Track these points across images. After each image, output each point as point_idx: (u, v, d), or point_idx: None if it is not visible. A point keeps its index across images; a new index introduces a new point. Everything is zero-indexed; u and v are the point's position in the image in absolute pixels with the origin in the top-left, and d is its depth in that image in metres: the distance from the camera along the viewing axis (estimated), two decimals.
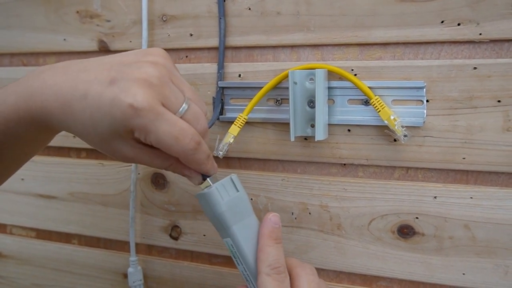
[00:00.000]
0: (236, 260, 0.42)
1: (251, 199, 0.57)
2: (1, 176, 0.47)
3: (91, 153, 0.67)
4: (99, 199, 0.67)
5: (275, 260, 0.41)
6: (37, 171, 0.70)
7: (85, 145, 0.64)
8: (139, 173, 0.63)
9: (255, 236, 0.42)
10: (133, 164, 0.61)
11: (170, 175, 0.61)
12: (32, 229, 0.74)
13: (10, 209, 0.73)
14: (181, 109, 0.39)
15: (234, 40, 0.55)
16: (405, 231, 0.51)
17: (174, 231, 0.63)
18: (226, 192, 0.42)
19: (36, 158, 0.69)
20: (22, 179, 0.71)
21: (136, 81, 0.37)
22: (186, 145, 0.38)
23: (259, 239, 0.42)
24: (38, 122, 0.40)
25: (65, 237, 0.72)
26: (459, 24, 0.46)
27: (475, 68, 0.46)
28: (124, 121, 0.36)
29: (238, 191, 0.43)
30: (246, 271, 0.42)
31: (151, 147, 0.40)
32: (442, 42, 0.47)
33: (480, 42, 0.46)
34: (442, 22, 0.47)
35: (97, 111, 0.37)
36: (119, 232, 0.66)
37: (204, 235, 0.61)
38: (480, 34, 0.46)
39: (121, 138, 0.39)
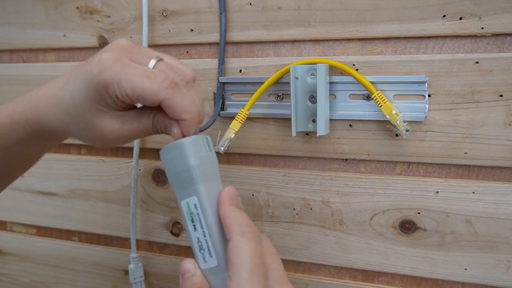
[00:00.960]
0: (195, 225, 0.38)
1: (252, 195, 0.57)
2: None
3: (92, 150, 0.67)
4: (99, 195, 0.66)
5: (245, 221, 0.36)
6: (37, 168, 0.69)
7: None
8: (139, 170, 0.63)
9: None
10: (134, 160, 0.61)
11: None
12: (32, 226, 0.74)
13: (11, 206, 0.73)
14: (150, 63, 0.39)
15: (235, 35, 0.55)
16: (407, 226, 0.51)
17: (175, 228, 0.62)
18: (200, 148, 0.39)
19: None
20: (23, 176, 0.70)
21: (106, 49, 0.39)
22: (161, 84, 0.37)
23: (219, 208, 0.38)
24: (31, 124, 0.41)
25: (65, 234, 0.71)
26: (461, 18, 0.46)
27: (477, 62, 0.46)
28: (96, 79, 0.37)
29: (210, 151, 0.40)
30: (205, 236, 0.38)
31: (132, 109, 0.40)
32: (444, 37, 0.47)
33: (482, 36, 0.46)
34: (444, 16, 0.46)
35: (74, 85, 0.39)
36: (120, 228, 0.66)
37: None
38: (482, 28, 0.46)
39: (100, 109, 0.38)
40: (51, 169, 0.69)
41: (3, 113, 0.42)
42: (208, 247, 0.38)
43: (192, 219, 0.38)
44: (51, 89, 0.41)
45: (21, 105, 0.42)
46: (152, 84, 0.36)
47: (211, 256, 0.37)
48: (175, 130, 0.39)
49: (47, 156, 0.68)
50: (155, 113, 0.40)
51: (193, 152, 0.38)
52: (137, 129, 0.40)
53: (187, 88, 0.39)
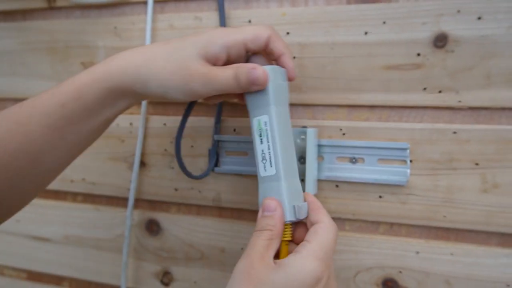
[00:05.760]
0: (262, 139, 0.45)
1: (241, 248, 0.59)
2: (72, 152, 0.48)
3: (88, 198, 0.69)
4: (93, 243, 0.68)
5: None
6: (33, 213, 0.71)
7: (81, 189, 0.67)
8: (133, 219, 0.64)
9: (287, 124, 0.46)
10: (128, 210, 0.63)
11: (164, 222, 0.63)
12: (23, 270, 0.74)
13: (3, 250, 0.74)
14: None
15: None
16: (389, 285, 0.53)
17: (166, 277, 0.64)
18: (278, 77, 0.46)
19: (32, 200, 0.70)
20: (18, 221, 0.72)
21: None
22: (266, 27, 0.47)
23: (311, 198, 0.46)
24: (113, 78, 0.45)
25: (56, 280, 0.72)
26: (440, 92, 0.50)
27: (454, 132, 0.50)
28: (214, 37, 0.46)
29: (284, 81, 0.47)
30: (269, 149, 0.45)
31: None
32: (425, 107, 0.51)
33: (459, 108, 0.50)
34: (425, 89, 0.50)
35: (179, 41, 0.46)
36: (111, 276, 0.67)
37: (195, 282, 0.62)
38: (460, 101, 0.49)
39: (198, 57, 0.45)
40: (46, 215, 0.70)
41: (84, 74, 0.46)
42: (270, 158, 0.45)
43: (260, 134, 0.45)
44: (139, 48, 0.47)
45: (102, 65, 0.46)
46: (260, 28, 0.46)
47: (271, 166, 0.45)
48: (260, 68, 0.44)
49: (43, 202, 0.70)
50: (238, 65, 0.45)
51: (272, 79, 0.44)
52: (219, 77, 0.44)
53: None
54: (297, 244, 0.44)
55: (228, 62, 0.46)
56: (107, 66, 0.46)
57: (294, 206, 0.43)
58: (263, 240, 0.41)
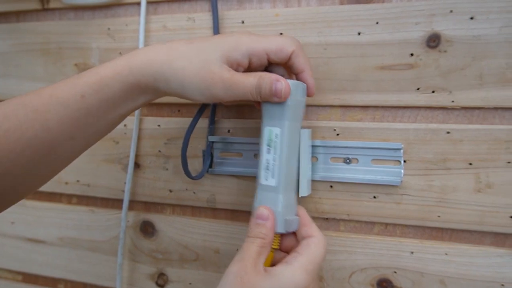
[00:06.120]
0: (269, 149, 0.46)
1: (236, 249, 0.59)
2: (92, 139, 0.48)
3: (82, 199, 0.68)
4: (88, 244, 0.68)
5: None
6: (27, 215, 0.71)
7: (76, 191, 0.67)
8: (128, 221, 0.64)
9: (296, 139, 0.47)
10: (123, 212, 0.62)
11: (158, 223, 0.63)
12: (18, 272, 0.74)
13: None
14: None
15: None
16: (384, 285, 0.53)
17: (161, 279, 0.64)
18: (298, 93, 0.46)
19: (27, 202, 0.70)
20: (12, 223, 0.72)
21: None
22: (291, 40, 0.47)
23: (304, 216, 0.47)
24: (134, 73, 0.45)
25: (51, 282, 0.72)
26: (433, 92, 0.50)
27: (448, 132, 0.50)
28: (239, 42, 0.45)
29: (303, 98, 0.47)
30: (274, 161, 0.45)
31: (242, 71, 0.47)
32: (418, 107, 0.51)
33: (452, 108, 0.50)
34: (418, 89, 0.50)
35: (204, 41, 0.46)
36: (106, 278, 0.67)
37: (190, 283, 0.62)
38: (453, 101, 0.49)
39: (221, 62, 0.45)
40: (41, 217, 0.70)
41: (106, 66, 0.45)
42: (273, 170, 0.46)
43: (269, 144, 0.46)
44: (162, 45, 0.46)
45: (124, 59, 0.45)
46: (286, 40, 0.46)
47: (272, 178, 0.46)
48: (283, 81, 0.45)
49: (37, 204, 0.70)
50: (261, 74, 0.45)
51: (293, 94, 0.45)
52: (242, 84, 0.44)
53: None
54: (284, 251, 0.46)
55: (248, 69, 0.46)
56: (130, 60, 0.45)
57: (285, 220, 0.45)
58: (256, 247, 0.42)
